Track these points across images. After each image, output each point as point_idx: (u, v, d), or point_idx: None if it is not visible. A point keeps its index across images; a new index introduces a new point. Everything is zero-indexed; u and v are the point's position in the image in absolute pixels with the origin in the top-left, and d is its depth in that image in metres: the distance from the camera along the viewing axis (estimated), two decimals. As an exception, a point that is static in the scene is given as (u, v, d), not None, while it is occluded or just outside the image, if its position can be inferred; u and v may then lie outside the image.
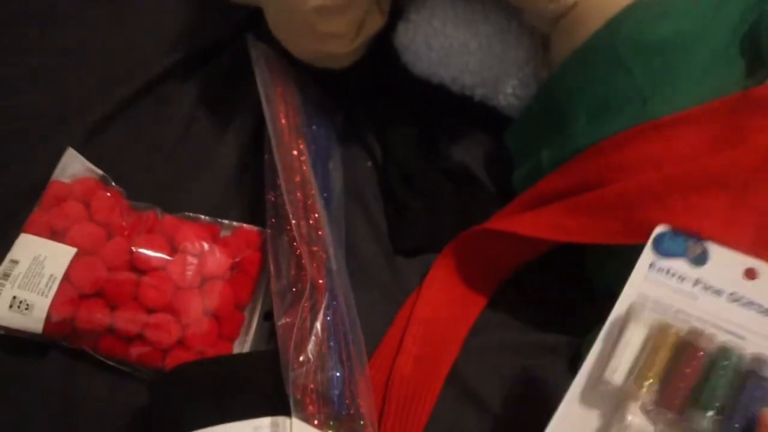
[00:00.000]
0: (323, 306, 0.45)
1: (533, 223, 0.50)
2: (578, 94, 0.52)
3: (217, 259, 0.50)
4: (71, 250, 0.48)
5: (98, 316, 0.47)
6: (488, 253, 0.55)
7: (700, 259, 0.42)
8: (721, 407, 0.37)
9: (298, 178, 0.52)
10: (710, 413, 0.37)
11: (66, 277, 0.47)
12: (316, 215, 0.50)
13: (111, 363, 0.48)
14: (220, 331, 0.49)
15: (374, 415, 0.48)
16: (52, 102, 0.57)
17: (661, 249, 0.42)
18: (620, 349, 0.39)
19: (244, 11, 0.62)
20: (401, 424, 0.48)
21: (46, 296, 0.46)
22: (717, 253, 0.41)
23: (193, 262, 0.49)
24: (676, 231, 0.42)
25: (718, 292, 0.41)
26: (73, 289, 0.47)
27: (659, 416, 0.38)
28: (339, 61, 0.58)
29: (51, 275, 0.47)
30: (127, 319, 0.47)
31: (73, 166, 0.52)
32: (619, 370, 0.38)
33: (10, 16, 0.62)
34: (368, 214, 0.57)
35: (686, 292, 0.41)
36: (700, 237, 0.42)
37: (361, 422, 0.44)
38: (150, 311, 0.48)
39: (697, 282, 0.41)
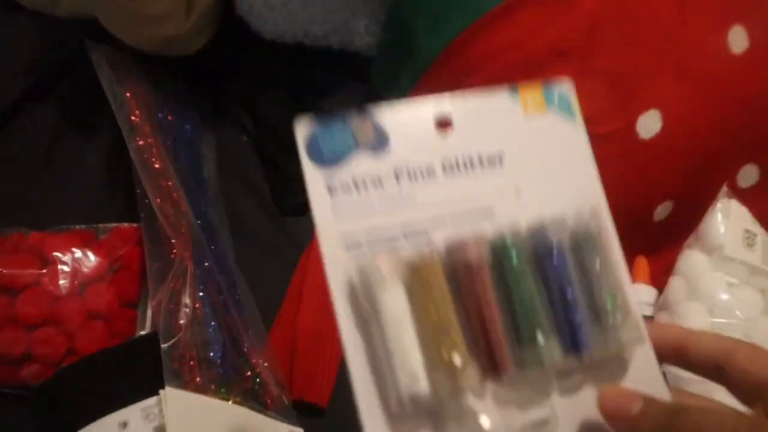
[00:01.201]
0: (192, 278, 0.44)
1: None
2: (417, 12, 0.51)
3: (93, 262, 0.49)
4: (-64, 288, 0.47)
5: (-22, 345, 0.46)
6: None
7: (380, 141, 0.28)
8: (545, 319, 0.27)
9: (157, 166, 0.51)
10: (540, 337, 0.26)
11: (-64, 315, 0.46)
12: (176, 195, 0.49)
13: (5, 390, 0.47)
14: (112, 331, 0.48)
15: (281, 373, 0.46)
16: None
17: (323, 155, 0.27)
18: (392, 339, 0.25)
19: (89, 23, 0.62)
20: (312, 376, 0.47)
21: None
22: (390, 118, 0.28)
23: (66, 270, 0.48)
24: (326, 120, 0.28)
25: (429, 173, 0.28)
26: (-54, 325, 0.46)
27: (499, 392, 0.27)
28: (184, 45, 0.57)
29: None
30: (10, 341, 0.46)
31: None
32: (417, 372, 0.25)
33: None
34: (252, 187, 0.57)
35: (393, 197, 0.28)
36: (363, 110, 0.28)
37: (257, 380, 0.43)
38: (32, 328, 0.47)
39: (396, 175, 0.28)
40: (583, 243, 0.28)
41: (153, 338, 0.42)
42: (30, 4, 0.65)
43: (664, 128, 0.46)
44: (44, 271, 0.48)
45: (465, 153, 0.29)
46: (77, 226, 0.52)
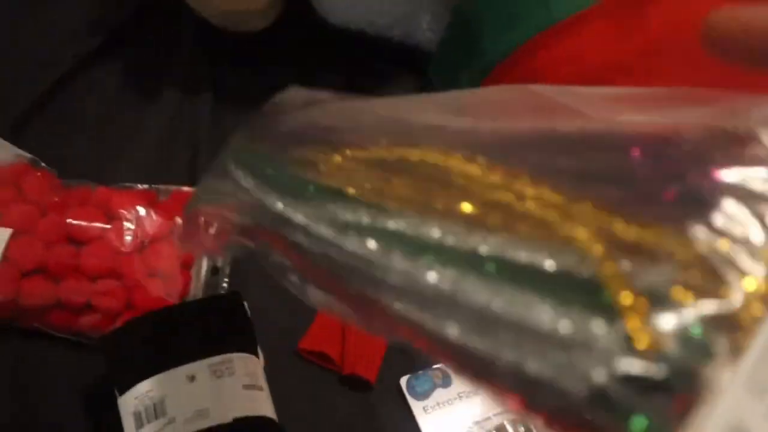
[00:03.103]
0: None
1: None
2: (484, 15, 0.53)
3: (156, 222, 0.51)
4: (6, 231, 0.48)
5: (43, 291, 0.47)
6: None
7: (446, 381, 0.49)
8: None
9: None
10: None
11: (5, 258, 0.47)
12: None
13: (64, 336, 0.49)
14: (168, 290, 0.50)
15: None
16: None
17: (416, 392, 0.48)
18: None
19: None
20: (362, 352, 0.49)
21: (-13, 278, 0.47)
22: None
23: (130, 227, 0.50)
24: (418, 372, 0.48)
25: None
26: (12, 268, 0.47)
27: None
28: (255, 21, 0.59)
29: (-11, 257, 0.47)
30: (72, 290, 0.48)
31: (1, 153, 0.52)
32: None
33: None
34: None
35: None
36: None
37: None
38: (94, 279, 0.48)
39: (459, 396, 0.49)
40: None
41: (228, 298, 0.44)
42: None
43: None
44: (109, 225, 0.50)
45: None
46: (138, 186, 0.54)
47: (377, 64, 0.64)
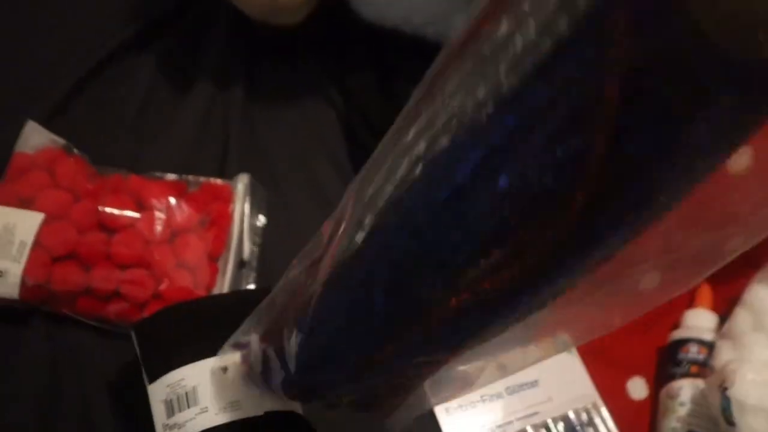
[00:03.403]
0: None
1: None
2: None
3: (185, 213, 0.51)
4: (39, 216, 0.49)
5: (73, 277, 0.48)
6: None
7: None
8: None
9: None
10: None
11: (37, 242, 0.48)
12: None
13: (91, 323, 0.49)
14: (195, 282, 0.50)
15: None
16: (11, 81, 0.58)
17: None
18: None
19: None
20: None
21: (19, 262, 0.47)
22: None
23: (160, 217, 0.50)
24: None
25: None
26: (45, 252, 0.48)
27: None
28: (292, 14, 0.59)
29: (21, 241, 0.48)
30: (102, 278, 0.48)
31: (35, 137, 0.53)
32: None
33: None
34: (337, 164, 0.58)
35: None
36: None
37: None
38: (123, 268, 0.49)
39: None
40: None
41: (262, 292, 0.44)
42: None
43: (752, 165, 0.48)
44: (140, 215, 0.50)
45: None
46: (168, 176, 0.54)
47: (410, 62, 0.63)
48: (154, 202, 0.51)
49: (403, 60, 0.63)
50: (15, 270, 0.47)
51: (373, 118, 0.60)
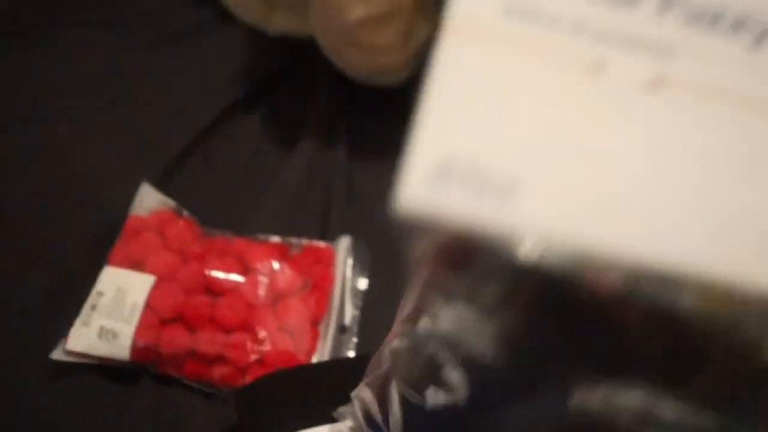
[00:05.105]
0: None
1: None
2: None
3: (288, 277, 0.51)
4: (150, 278, 0.50)
5: (180, 339, 0.49)
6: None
7: None
8: None
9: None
10: None
11: (147, 304, 0.49)
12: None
13: (196, 385, 0.49)
14: (297, 346, 0.50)
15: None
16: (125, 140, 0.60)
17: None
18: None
19: (300, 41, 0.65)
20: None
21: (130, 323, 0.49)
22: None
23: (264, 281, 0.50)
24: None
25: None
26: (154, 315, 0.49)
27: None
28: (394, 75, 0.59)
29: (133, 303, 0.49)
30: (206, 341, 0.49)
31: (149, 199, 0.55)
32: None
33: (86, 72, 0.66)
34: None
35: None
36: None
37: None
38: (227, 331, 0.49)
39: None
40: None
41: (364, 361, 0.44)
42: (243, 18, 0.69)
43: None
44: (244, 278, 0.50)
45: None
46: (272, 238, 0.54)
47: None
48: (258, 265, 0.51)
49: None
50: (127, 331, 0.48)
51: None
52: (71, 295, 0.52)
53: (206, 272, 0.50)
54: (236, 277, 0.50)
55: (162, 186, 0.57)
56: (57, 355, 0.49)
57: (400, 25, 0.55)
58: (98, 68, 0.66)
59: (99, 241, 0.54)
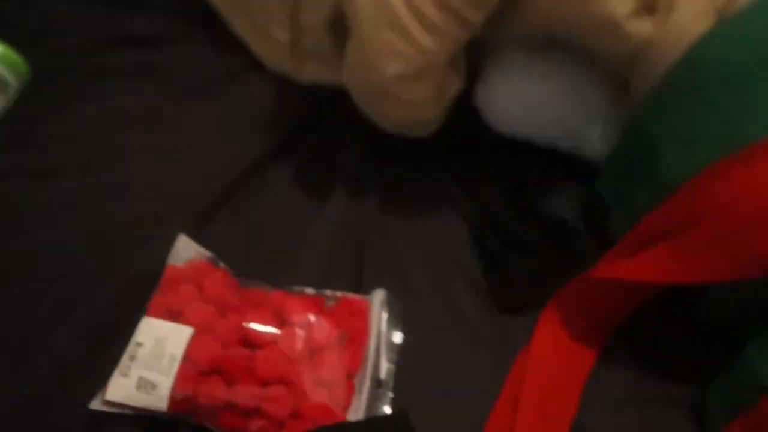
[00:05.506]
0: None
1: (638, 267, 0.49)
2: (664, 131, 0.51)
3: (325, 330, 0.52)
4: (188, 330, 0.50)
5: (217, 392, 0.49)
6: (595, 303, 0.54)
7: None
8: None
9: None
10: None
11: (186, 356, 0.50)
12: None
13: (232, 439, 0.50)
14: (333, 400, 0.50)
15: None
16: (161, 197, 0.61)
17: None
18: None
19: (330, 89, 0.66)
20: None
21: (169, 375, 0.49)
22: None
23: (301, 334, 0.51)
24: None
25: None
26: (192, 367, 0.49)
27: None
28: (425, 128, 0.60)
29: (172, 355, 0.50)
30: (244, 394, 0.49)
31: (186, 250, 0.55)
32: None
33: (109, 126, 0.67)
34: (469, 277, 0.58)
35: None
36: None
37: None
38: (265, 385, 0.49)
39: None
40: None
41: (397, 419, 0.44)
42: (273, 67, 0.70)
43: None
44: (281, 331, 0.51)
45: None
46: (307, 290, 0.55)
47: (543, 174, 0.63)
48: (295, 318, 0.52)
49: (535, 171, 0.63)
50: (165, 383, 0.49)
51: (506, 231, 0.59)
52: (108, 343, 0.52)
53: (244, 324, 0.51)
54: (273, 330, 0.51)
55: (195, 236, 0.58)
56: (96, 405, 0.49)
57: (433, 80, 0.56)
58: (132, 113, 0.67)
59: (135, 291, 0.55)
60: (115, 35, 0.71)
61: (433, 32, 0.51)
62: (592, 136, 0.59)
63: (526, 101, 0.59)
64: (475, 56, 0.59)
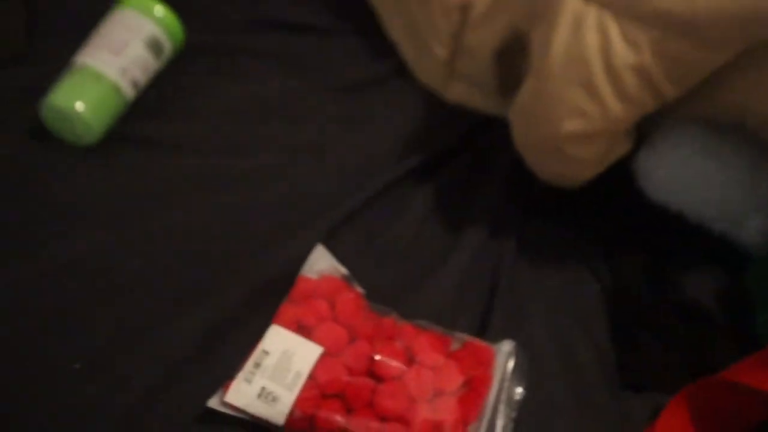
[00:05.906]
0: None
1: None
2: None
3: (451, 375, 0.51)
4: (318, 349, 0.50)
5: (336, 417, 0.48)
6: (727, 405, 0.51)
7: None
8: None
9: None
10: None
11: (311, 375, 0.49)
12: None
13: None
14: (446, 447, 0.49)
15: None
16: (295, 198, 0.60)
17: None
18: None
19: (477, 115, 0.64)
20: None
21: (292, 391, 0.48)
22: None
23: (429, 375, 0.50)
24: None
25: None
26: (316, 387, 0.49)
27: None
28: (577, 182, 0.58)
29: (297, 371, 0.49)
30: (361, 425, 0.48)
31: (321, 262, 0.55)
32: None
33: (252, 112, 0.66)
34: (594, 340, 0.56)
35: None
36: None
37: None
38: (383, 419, 0.49)
39: None
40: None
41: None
42: (420, 78, 0.69)
43: None
44: (409, 368, 0.50)
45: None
46: (436, 327, 0.53)
47: (685, 249, 0.60)
48: (424, 357, 0.51)
49: (678, 245, 0.61)
50: (287, 399, 0.48)
51: (639, 304, 0.57)
52: (229, 341, 0.52)
53: (372, 355, 0.50)
54: (401, 366, 0.50)
55: (326, 246, 0.57)
56: (213, 403, 0.49)
57: (605, 142, 0.54)
58: (276, 102, 0.66)
59: (259, 292, 0.54)
60: (269, 19, 0.70)
61: (625, 100, 0.49)
62: (751, 224, 0.57)
63: (692, 175, 0.56)
64: (645, 120, 0.57)
